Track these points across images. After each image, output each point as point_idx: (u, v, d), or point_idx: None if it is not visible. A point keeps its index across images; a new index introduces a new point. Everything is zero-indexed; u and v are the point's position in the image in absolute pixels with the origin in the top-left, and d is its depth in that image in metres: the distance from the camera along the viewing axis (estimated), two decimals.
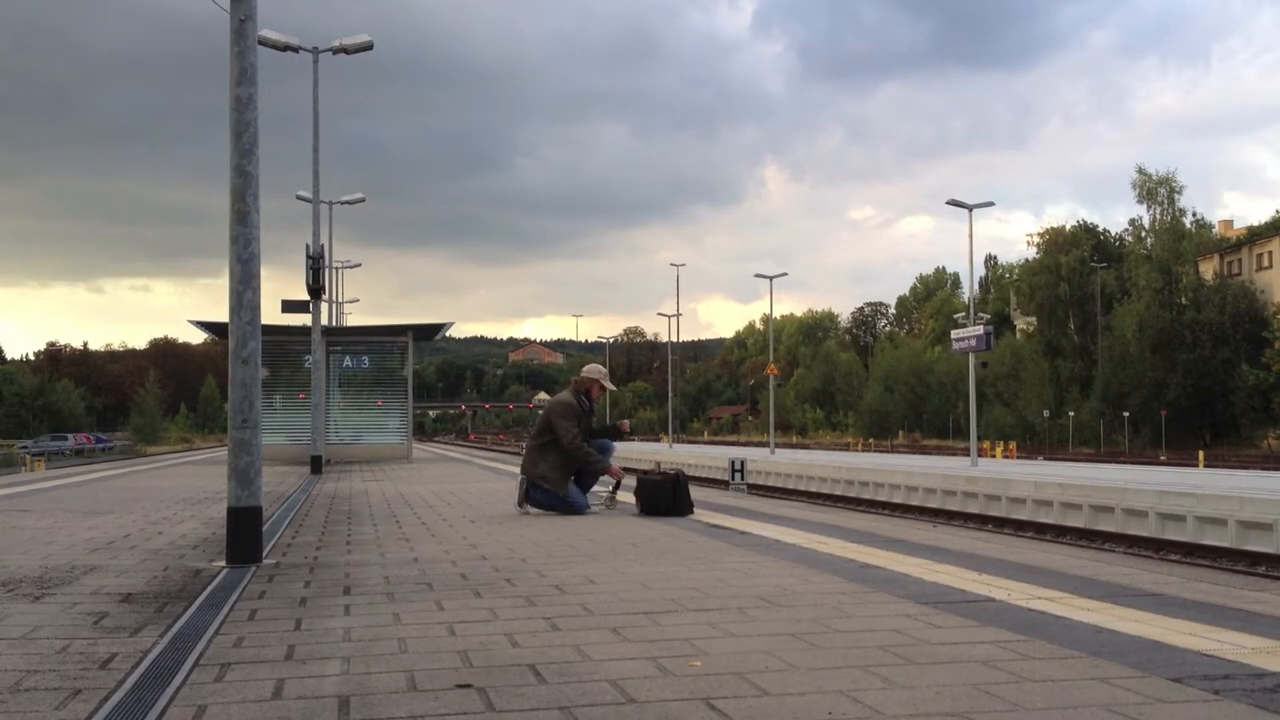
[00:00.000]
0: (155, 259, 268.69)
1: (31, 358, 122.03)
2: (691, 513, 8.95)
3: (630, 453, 48.95)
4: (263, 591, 5.05)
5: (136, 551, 6.73)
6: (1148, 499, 16.85)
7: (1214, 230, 76.66)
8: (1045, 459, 44.43)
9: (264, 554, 6.27)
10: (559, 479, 9.14)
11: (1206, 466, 35.10)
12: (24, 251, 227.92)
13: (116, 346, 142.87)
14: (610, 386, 9.78)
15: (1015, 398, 71.75)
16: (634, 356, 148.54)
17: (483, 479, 16.26)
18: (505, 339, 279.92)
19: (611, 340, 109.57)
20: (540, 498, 9.19)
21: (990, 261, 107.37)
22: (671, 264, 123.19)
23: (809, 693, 3.05)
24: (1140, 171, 64.90)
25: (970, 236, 30.71)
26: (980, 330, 28.25)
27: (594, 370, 9.59)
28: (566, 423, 9.14)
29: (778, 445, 48.52)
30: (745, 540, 7.05)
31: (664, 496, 8.93)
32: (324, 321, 22.51)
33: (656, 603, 4.59)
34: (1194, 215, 67.35)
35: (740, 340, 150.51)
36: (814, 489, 28.49)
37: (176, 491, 13.43)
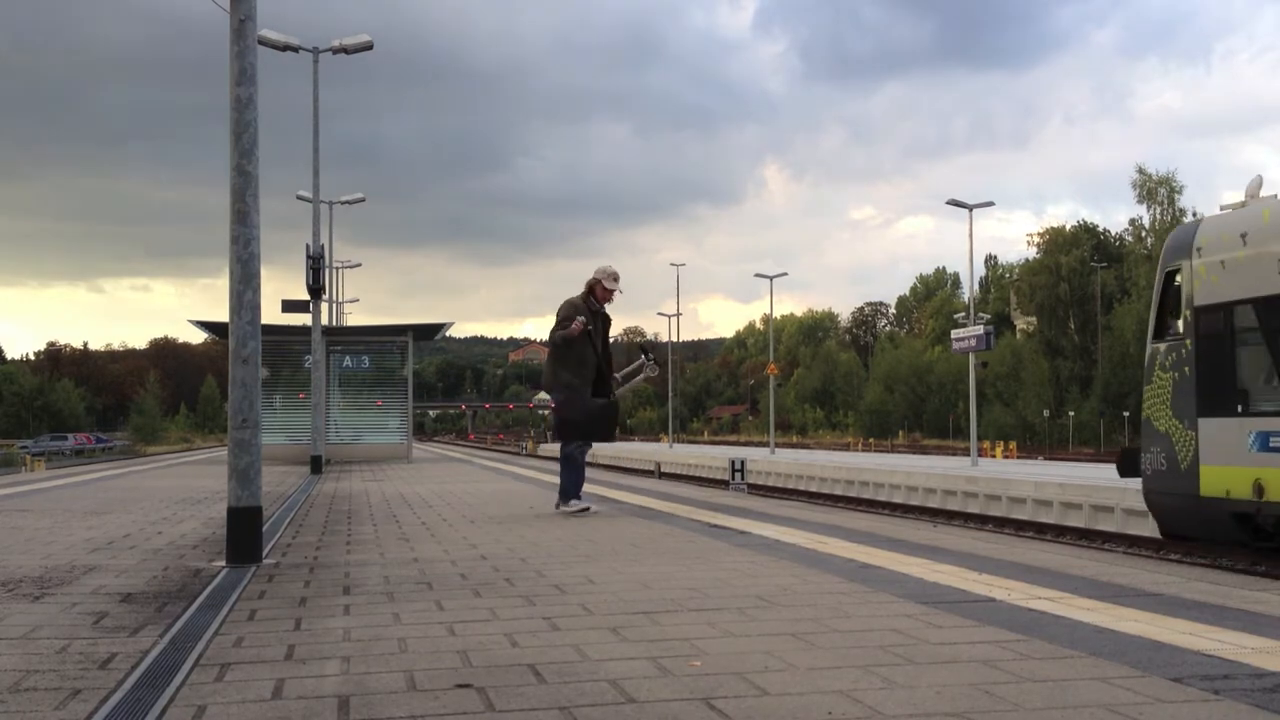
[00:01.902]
0: (155, 259, 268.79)
1: (31, 358, 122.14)
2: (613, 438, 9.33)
3: (630, 453, 48.94)
4: (263, 591, 5.05)
5: (136, 551, 6.73)
6: None
7: None
8: (1045, 459, 44.42)
9: (264, 554, 6.27)
10: (581, 383, 9.01)
11: None
12: (24, 251, 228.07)
13: (116, 346, 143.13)
14: (611, 286, 9.24)
15: (1015, 398, 71.75)
16: (634, 356, 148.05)
17: (483, 479, 16.26)
18: (505, 339, 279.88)
19: (612, 340, 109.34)
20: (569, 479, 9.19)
21: (990, 261, 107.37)
22: (671, 264, 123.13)
23: (809, 693, 3.05)
24: (1140, 171, 65.01)
25: (970, 236, 30.75)
26: (980, 330, 28.28)
27: (600, 270, 9.26)
28: (559, 319, 9.06)
29: (778, 445, 48.52)
30: (745, 540, 7.05)
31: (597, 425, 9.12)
32: (324, 321, 22.51)
33: (656, 603, 4.59)
34: (1194, 215, 67.39)
35: (740, 340, 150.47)
36: (814, 489, 28.50)
37: (176, 491, 13.42)
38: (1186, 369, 11.07)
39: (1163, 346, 11.59)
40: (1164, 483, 11.57)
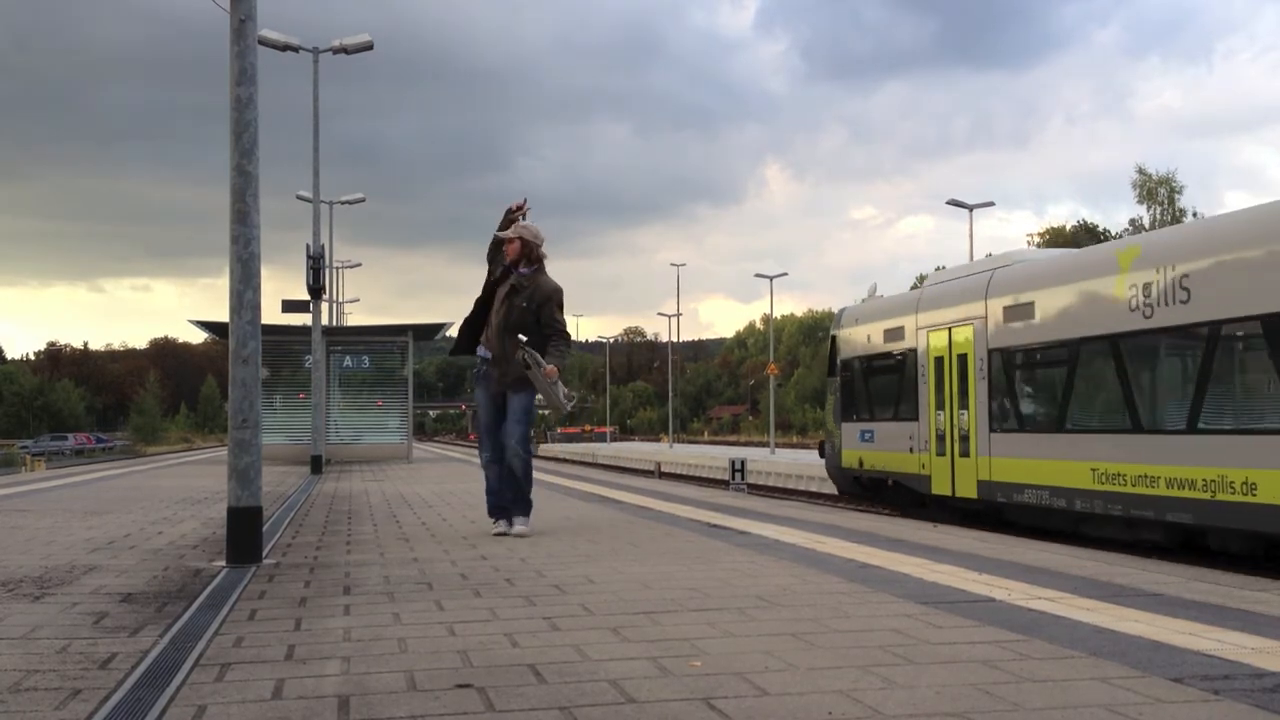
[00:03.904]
0: (155, 259, 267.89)
1: (31, 358, 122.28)
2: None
3: (630, 453, 48.96)
4: (263, 591, 5.05)
5: (136, 551, 6.73)
6: None
7: None
8: None
9: (264, 554, 6.27)
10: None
11: None
12: (24, 251, 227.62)
13: (116, 346, 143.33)
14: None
15: None
16: (634, 356, 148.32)
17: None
18: None
19: (612, 340, 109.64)
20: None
21: None
22: (672, 264, 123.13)
23: (809, 693, 3.05)
24: (1140, 171, 65.00)
25: (971, 236, 30.82)
26: None
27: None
28: None
29: (778, 445, 48.52)
30: (745, 540, 7.05)
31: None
32: (324, 321, 22.51)
33: (656, 603, 4.59)
34: (1195, 215, 67.38)
35: (740, 340, 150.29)
36: (814, 489, 28.48)
37: (176, 491, 13.43)
38: (838, 394, 18.64)
39: (830, 379, 19.33)
40: (831, 461, 19.25)
